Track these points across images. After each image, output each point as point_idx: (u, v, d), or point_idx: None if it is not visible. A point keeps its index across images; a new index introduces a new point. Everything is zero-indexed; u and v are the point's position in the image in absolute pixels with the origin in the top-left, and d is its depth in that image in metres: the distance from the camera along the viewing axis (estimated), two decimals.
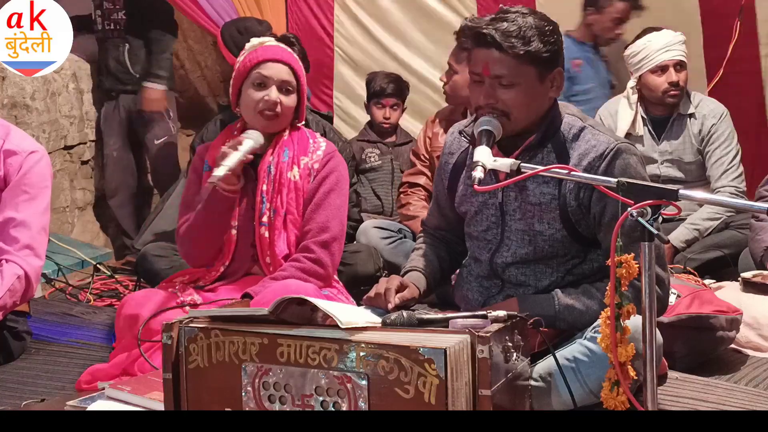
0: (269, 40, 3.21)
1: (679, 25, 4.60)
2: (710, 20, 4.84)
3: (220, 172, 2.91)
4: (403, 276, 2.80)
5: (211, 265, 3.21)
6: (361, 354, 2.10)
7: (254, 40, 3.21)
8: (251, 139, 3.04)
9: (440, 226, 3.00)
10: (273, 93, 3.10)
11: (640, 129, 4.37)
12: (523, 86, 2.60)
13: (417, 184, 4.43)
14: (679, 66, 4.27)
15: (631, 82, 4.42)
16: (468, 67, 2.73)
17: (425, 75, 5.32)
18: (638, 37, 4.36)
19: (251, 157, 3.08)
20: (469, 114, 3.55)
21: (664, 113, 4.36)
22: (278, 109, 3.11)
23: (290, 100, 3.15)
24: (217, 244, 3.16)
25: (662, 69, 4.26)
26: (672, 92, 4.28)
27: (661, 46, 4.24)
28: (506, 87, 2.60)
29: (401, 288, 2.64)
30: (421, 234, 3.05)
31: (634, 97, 4.38)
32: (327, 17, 5.43)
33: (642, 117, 4.37)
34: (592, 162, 2.61)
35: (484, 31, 2.59)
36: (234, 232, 3.16)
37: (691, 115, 4.33)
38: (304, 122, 3.95)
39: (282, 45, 3.22)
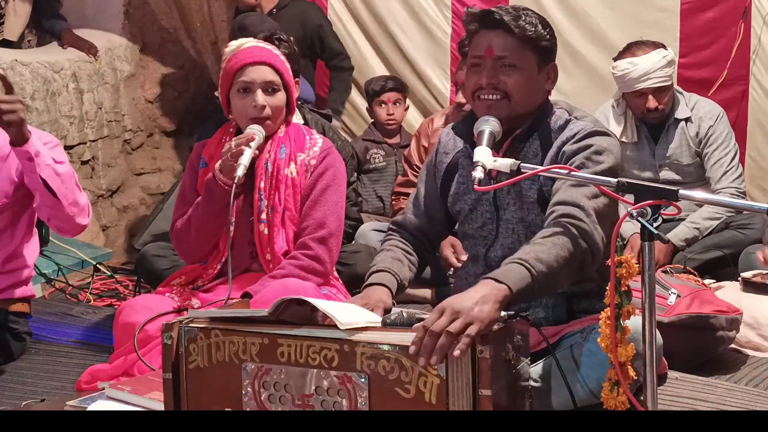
0: (248, 42, 3.16)
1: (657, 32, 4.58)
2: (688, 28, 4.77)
3: (240, 172, 2.96)
4: (372, 276, 2.73)
5: (205, 261, 3.20)
6: (362, 354, 2.10)
7: (232, 44, 3.17)
8: (259, 135, 3.05)
9: (421, 226, 2.90)
10: (259, 97, 3.08)
11: (633, 136, 4.32)
12: (524, 71, 2.64)
13: (408, 194, 4.43)
14: (659, 91, 4.19)
15: (616, 95, 4.37)
16: (469, 52, 2.75)
17: (427, 73, 5.32)
18: (623, 53, 4.25)
19: (258, 152, 3.08)
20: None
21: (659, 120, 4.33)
22: (267, 111, 3.10)
23: (277, 100, 3.12)
24: (214, 239, 3.15)
25: (641, 94, 4.20)
26: (650, 115, 4.25)
27: (640, 74, 4.13)
28: (508, 68, 2.64)
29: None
30: (393, 235, 2.91)
31: (621, 108, 4.34)
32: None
33: (636, 124, 4.34)
34: (565, 141, 2.63)
35: (493, 11, 2.65)
36: (231, 228, 3.15)
37: (687, 119, 4.28)
38: (303, 122, 3.97)
39: (261, 44, 3.17)
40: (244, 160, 2.98)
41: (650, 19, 4.77)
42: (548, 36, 2.67)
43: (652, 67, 4.13)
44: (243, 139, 3.02)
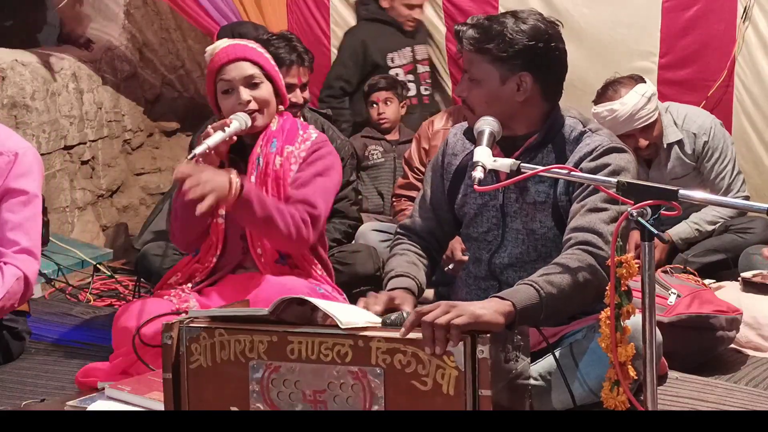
0: (222, 42, 3.17)
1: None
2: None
3: (199, 149, 2.93)
4: (392, 281, 2.71)
5: (196, 252, 3.19)
6: (378, 348, 2.12)
7: (208, 49, 3.18)
8: (237, 121, 3.04)
9: (430, 228, 2.91)
10: (243, 94, 3.07)
11: None
12: (484, 84, 2.67)
13: (410, 197, 4.43)
14: (646, 128, 4.04)
15: None
16: None
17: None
18: (600, 97, 4.06)
19: (235, 138, 3.06)
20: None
21: None
22: (253, 105, 3.09)
23: (263, 92, 3.11)
24: (200, 226, 3.12)
25: (628, 135, 4.01)
26: (642, 153, 4.11)
27: (623, 118, 3.97)
28: (471, 82, 2.69)
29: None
30: (402, 239, 2.92)
31: None
32: (324, 17, 5.45)
33: None
34: (582, 157, 2.63)
35: (456, 28, 2.70)
36: (221, 221, 3.13)
37: (679, 141, 4.17)
38: (302, 117, 3.96)
39: (236, 41, 3.18)
40: (210, 141, 2.95)
41: (630, 18, 4.71)
42: (509, 47, 2.61)
43: (634, 109, 3.97)
44: (218, 124, 3.02)
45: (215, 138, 2.96)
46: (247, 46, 3.15)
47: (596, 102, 4.10)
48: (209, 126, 3.04)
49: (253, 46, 3.17)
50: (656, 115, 4.08)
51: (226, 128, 2.99)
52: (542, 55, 2.65)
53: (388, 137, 4.95)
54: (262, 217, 2.94)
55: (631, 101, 3.98)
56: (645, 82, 4.08)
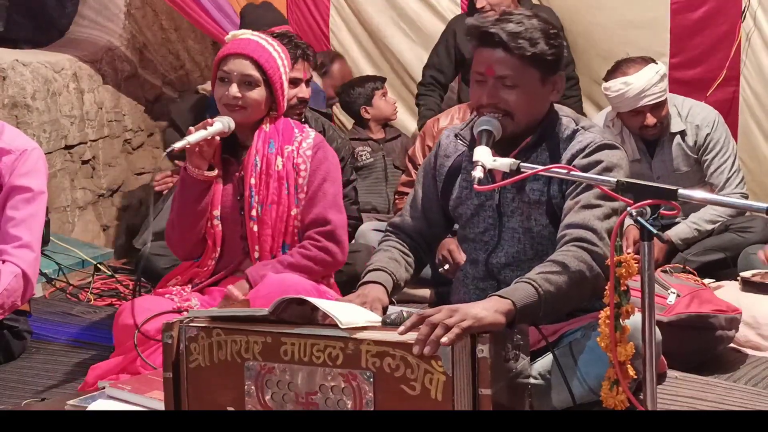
0: (244, 33, 3.18)
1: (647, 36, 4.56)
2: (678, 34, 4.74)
3: (178, 144, 2.95)
4: (369, 275, 2.72)
5: (197, 257, 3.20)
6: (367, 351, 2.11)
7: (230, 34, 3.21)
8: (220, 123, 3.05)
9: (419, 228, 2.90)
10: (233, 89, 3.08)
11: (635, 153, 4.21)
12: (526, 88, 2.62)
13: None
14: (656, 107, 4.08)
15: (611, 114, 4.26)
16: (471, 66, 2.73)
17: (416, 71, 5.33)
18: (612, 72, 4.11)
19: (218, 139, 3.07)
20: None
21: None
22: (240, 103, 3.09)
23: (255, 94, 3.11)
24: (197, 232, 3.13)
25: (639, 112, 4.08)
26: (649, 132, 4.14)
27: (636, 93, 4.00)
28: (509, 88, 2.62)
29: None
30: (390, 236, 2.92)
31: (617, 127, 4.22)
32: (323, 18, 5.46)
33: (633, 140, 4.24)
34: (575, 154, 2.64)
35: (492, 30, 2.61)
36: (217, 223, 3.14)
37: (682, 132, 4.20)
38: (298, 117, 3.96)
39: (254, 37, 3.16)
40: (190, 137, 2.98)
41: (639, 19, 4.74)
42: (552, 49, 2.62)
43: (647, 84, 4.01)
44: (200, 124, 3.04)
45: (195, 136, 2.99)
46: (259, 46, 3.13)
47: (607, 79, 4.14)
48: (193, 127, 3.05)
49: (267, 48, 3.14)
50: (666, 95, 4.12)
51: (208, 127, 3.01)
52: (564, 52, 2.68)
53: (375, 136, 4.96)
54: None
55: (644, 76, 4.03)
56: (656, 63, 4.14)
